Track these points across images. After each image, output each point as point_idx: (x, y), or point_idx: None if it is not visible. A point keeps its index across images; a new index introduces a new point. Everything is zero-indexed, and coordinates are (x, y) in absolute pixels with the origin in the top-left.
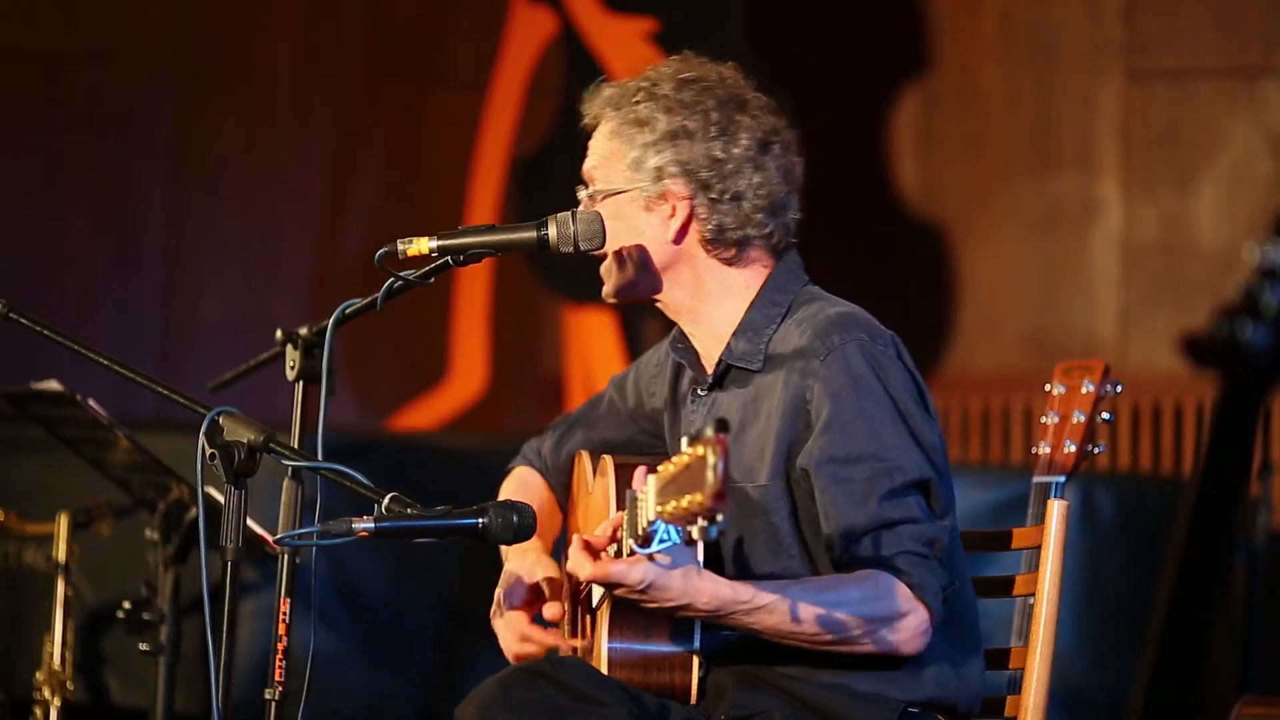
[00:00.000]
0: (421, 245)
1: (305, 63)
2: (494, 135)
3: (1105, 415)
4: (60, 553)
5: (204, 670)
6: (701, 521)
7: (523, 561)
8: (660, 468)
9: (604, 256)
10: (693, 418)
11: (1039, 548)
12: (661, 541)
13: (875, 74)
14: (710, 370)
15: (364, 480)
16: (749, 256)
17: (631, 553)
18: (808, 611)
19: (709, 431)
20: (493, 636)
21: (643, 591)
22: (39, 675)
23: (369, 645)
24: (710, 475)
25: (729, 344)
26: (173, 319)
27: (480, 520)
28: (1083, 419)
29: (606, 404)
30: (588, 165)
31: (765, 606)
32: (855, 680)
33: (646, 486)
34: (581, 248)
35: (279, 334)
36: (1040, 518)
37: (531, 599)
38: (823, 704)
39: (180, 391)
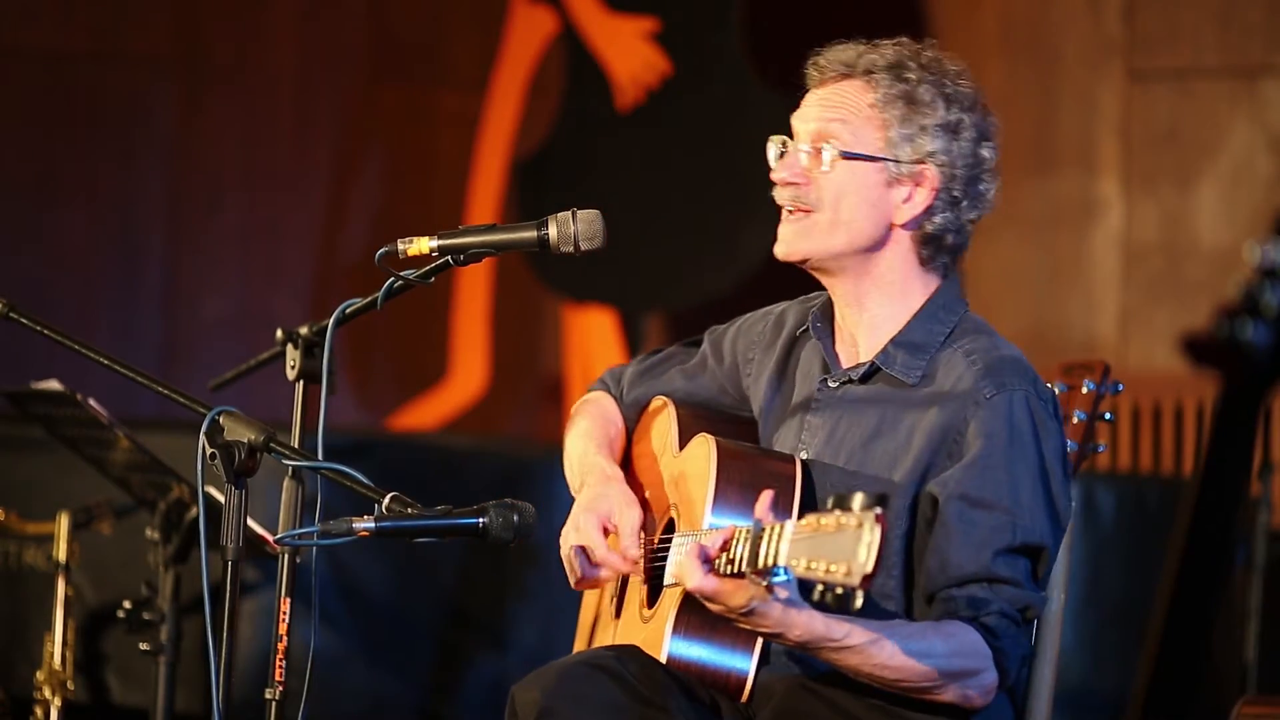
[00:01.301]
0: (422, 245)
1: (306, 62)
2: (494, 135)
3: (1106, 415)
4: (61, 552)
5: (204, 670)
6: (838, 590)
7: (606, 492)
8: (805, 519)
9: (600, 249)
10: (814, 411)
11: None
12: (775, 576)
13: None
14: (849, 361)
15: (364, 480)
16: (935, 265)
17: (740, 573)
18: (892, 659)
19: (860, 502)
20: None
21: (744, 615)
22: (39, 674)
23: (369, 645)
24: (863, 553)
25: (886, 349)
26: (173, 318)
27: (480, 520)
28: (1083, 418)
29: (700, 356)
30: (822, 121)
31: (853, 648)
32: (908, 709)
33: (782, 530)
34: (582, 247)
35: (279, 333)
36: None
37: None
38: None
39: (180, 391)
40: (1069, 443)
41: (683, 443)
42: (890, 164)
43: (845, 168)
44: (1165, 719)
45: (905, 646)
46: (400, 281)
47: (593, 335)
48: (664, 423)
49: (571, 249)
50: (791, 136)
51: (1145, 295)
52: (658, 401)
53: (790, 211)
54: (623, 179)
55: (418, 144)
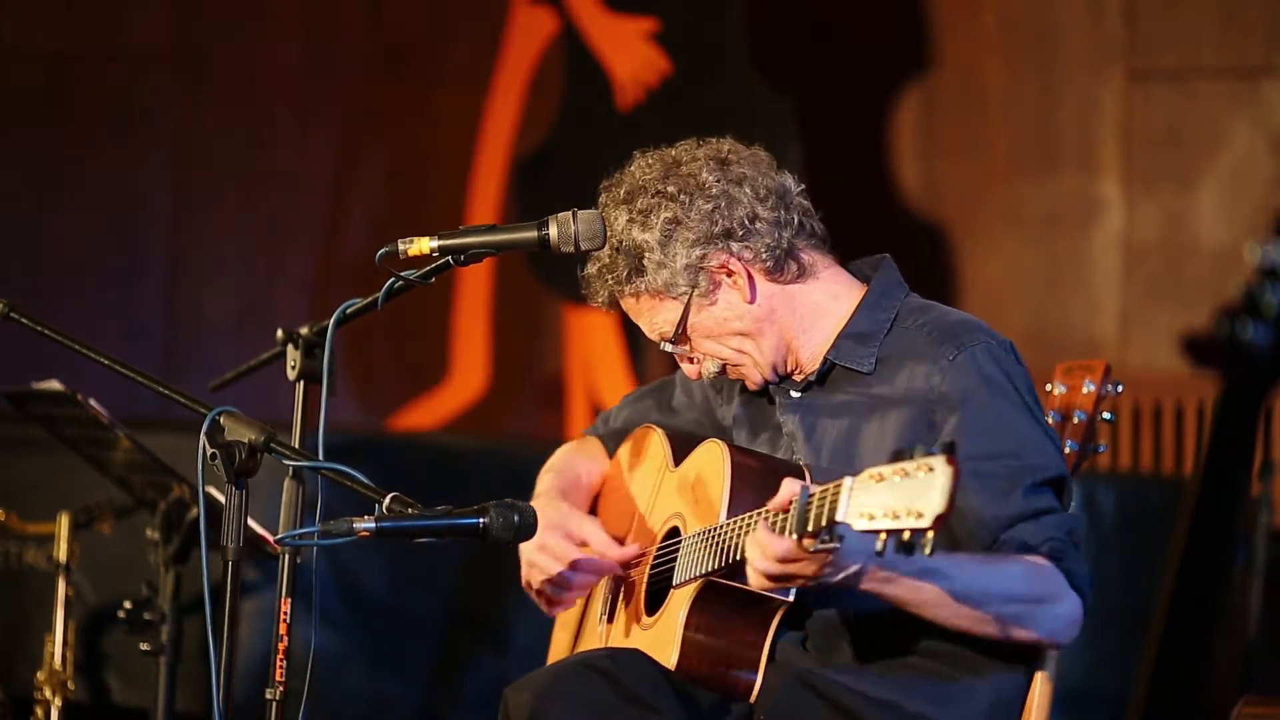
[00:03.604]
0: (422, 245)
1: (306, 62)
2: (494, 135)
3: (1106, 415)
4: (61, 552)
5: (205, 670)
6: (905, 536)
7: (561, 509)
8: (868, 472)
9: (601, 249)
10: (784, 418)
11: None
12: (823, 541)
13: (876, 74)
14: (801, 376)
15: (365, 480)
16: (810, 262)
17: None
18: (974, 582)
19: (938, 452)
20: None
21: (831, 565)
22: (40, 675)
23: (370, 645)
24: (938, 495)
25: (836, 343)
26: (174, 318)
27: (481, 520)
28: (1084, 419)
29: (674, 394)
30: (652, 333)
31: (933, 569)
32: (908, 699)
33: (838, 488)
34: (583, 247)
35: (280, 334)
36: None
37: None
38: (868, 719)
39: (181, 391)
40: (1069, 442)
41: (678, 458)
42: (694, 296)
43: (696, 339)
44: (1166, 719)
45: (984, 570)
46: (401, 282)
47: (593, 336)
48: (655, 444)
49: (572, 249)
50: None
51: (1146, 295)
52: (643, 428)
53: (727, 373)
54: None
55: (418, 144)
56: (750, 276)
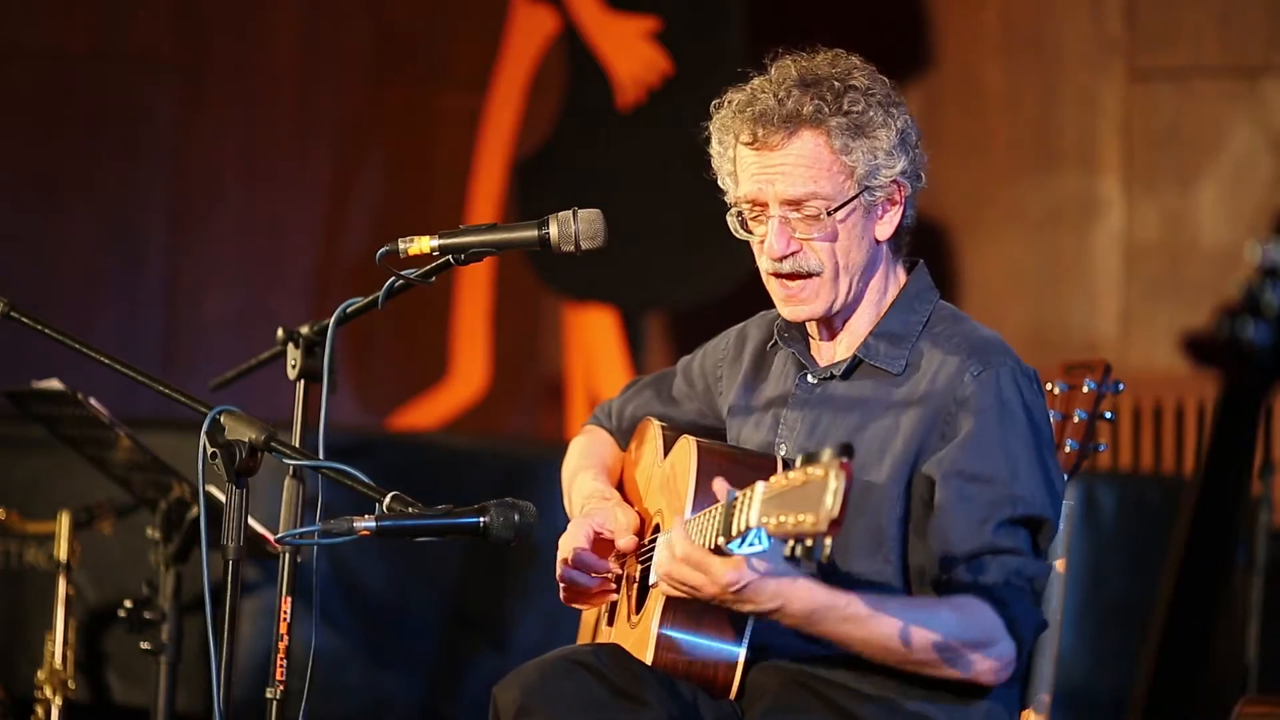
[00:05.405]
0: (423, 244)
1: (306, 62)
2: (494, 135)
3: (1107, 414)
4: (62, 551)
5: (205, 669)
6: (808, 542)
7: (601, 506)
8: (774, 478)
9: (601, 248)
10: (795, 403)
11: None
12: (750, 545)
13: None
14: (827, 361)
15: (365, 479)
16: (900, 254)
17: (717, 548)
18: (899, 628)
19: (828, 454)
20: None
21: (736, 593)
22: (40, 674)
23: (370, 644)
24: (829, 500)
25: (867, 341)
26: (174, 318)
27: (481, 519)
28: (1084, 418)
29: (675, 384)
30: (796, 185)
31: (856, 617)
32: (905, 700)
33: (753, 492)
34: (583, 247)
35: (280, 333)
36: None
37: (601, 537)
38: (865, 717)
39: (181, 390)
40: (1069, 441)
41: (667, 451)
42: (865, 195)
43: (832, 221)
44: (1166, 718)
45: (913, 616)
46: (401, 281)
47: (594, 335)
48: (653, 437)
49: (572, 248)
50: (750, 203)
51: (1146, 295)
52: (645, 420)
53: (790, 279)
54: (624, 178)
55: (418, 144)
56: (901, 218)
